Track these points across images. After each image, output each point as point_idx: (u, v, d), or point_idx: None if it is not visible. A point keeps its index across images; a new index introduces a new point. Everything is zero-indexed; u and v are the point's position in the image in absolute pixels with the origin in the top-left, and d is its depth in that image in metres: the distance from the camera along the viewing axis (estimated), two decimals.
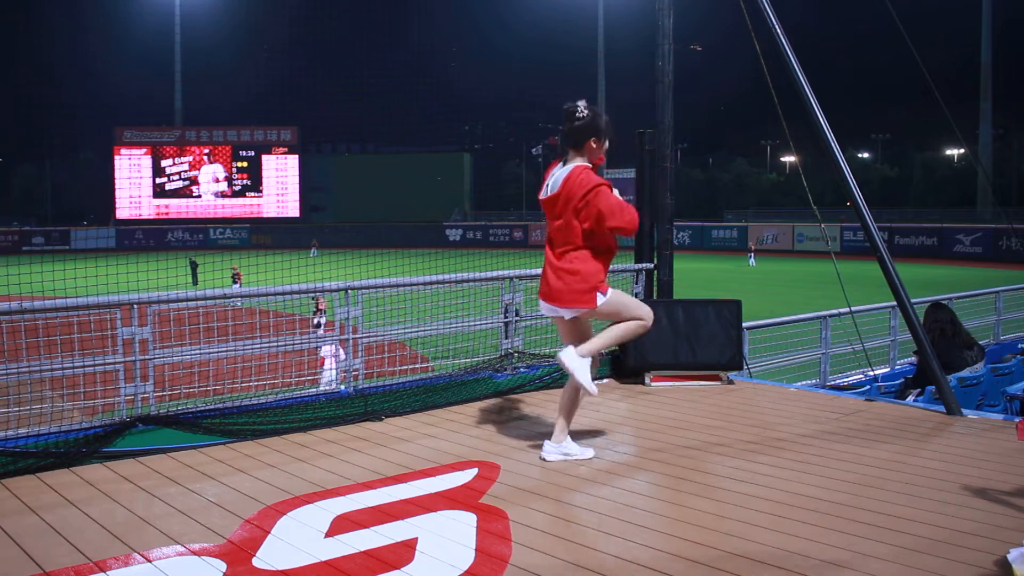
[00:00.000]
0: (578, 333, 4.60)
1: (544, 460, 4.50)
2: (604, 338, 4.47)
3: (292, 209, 62.11)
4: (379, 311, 5.90)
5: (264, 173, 61.54)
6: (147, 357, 4.84)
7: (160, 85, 64.98)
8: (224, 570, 3.20)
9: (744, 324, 7.15)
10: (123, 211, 60.51)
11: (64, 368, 4.58)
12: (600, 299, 4.41)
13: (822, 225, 9.20)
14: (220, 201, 61.26)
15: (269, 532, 3.55)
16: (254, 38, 58.67)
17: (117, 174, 60.28)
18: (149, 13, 63.27)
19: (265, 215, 61.34)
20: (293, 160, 61.89)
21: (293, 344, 5.77)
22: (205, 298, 5.16)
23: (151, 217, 60.53)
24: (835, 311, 8.84)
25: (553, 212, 4.49)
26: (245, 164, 61.38)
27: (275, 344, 5.48)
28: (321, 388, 5.99)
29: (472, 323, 6.26)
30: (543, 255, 4.67)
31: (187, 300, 5.08)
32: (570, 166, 4.44)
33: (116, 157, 60.33)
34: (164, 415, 4.81)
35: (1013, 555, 3.07)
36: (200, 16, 63.81)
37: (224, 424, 4.94)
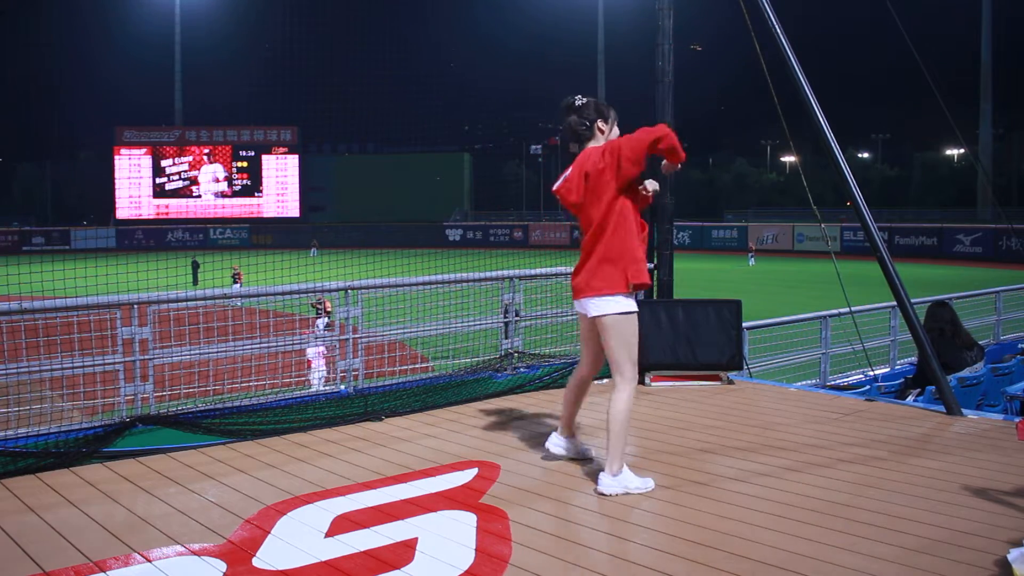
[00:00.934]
0: (592, 335, 4.33)
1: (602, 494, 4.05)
2: (617, 438, 4.03)
3: (292, 209, 62.12)
4: (379, 311, 5.90)
5: (264, 173, 61.55)
6: (147, 357, 4.84)
7: (160, 85, 65.01)
8: (224, 570, 3.20)
9: (744, 324, 7.14)
10: (123, 211, 60.52)
11: (64, 368, 4.58)
12: (622, 302, 4.10)
13: (822, 225, 9.19)
14: (220, 201, 61.27)
15: (269, 532, 3.55)
16: (254, 38, 58.65)
17: (117, 174, 60.29)
18: (149, 13, 63.29)
19: (265, 215, 61.34)
20: (293, 160, 61.90)
21: (293, 344, 5.77)
22: (205, 298, 5.16)
23: (151, 217, 60.54)
24: (835, 311, 8.83)
25: (570, 201, 4.25)
26: (245, 164, 61.39)
27: (275, 344, 5.48)
28: (314, 387, 6.00)
29: (472, 323, 6.26)
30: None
31: (187, 300, 5.08)
32: (583, 151, 4.25)
33: (116, 157, 60.34)
34: (164, 415, 4.81)
35: (1013, 555, 3.07)
36: (200, 16, 63.83)
37: (224, 424, 4.94)
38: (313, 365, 8.33)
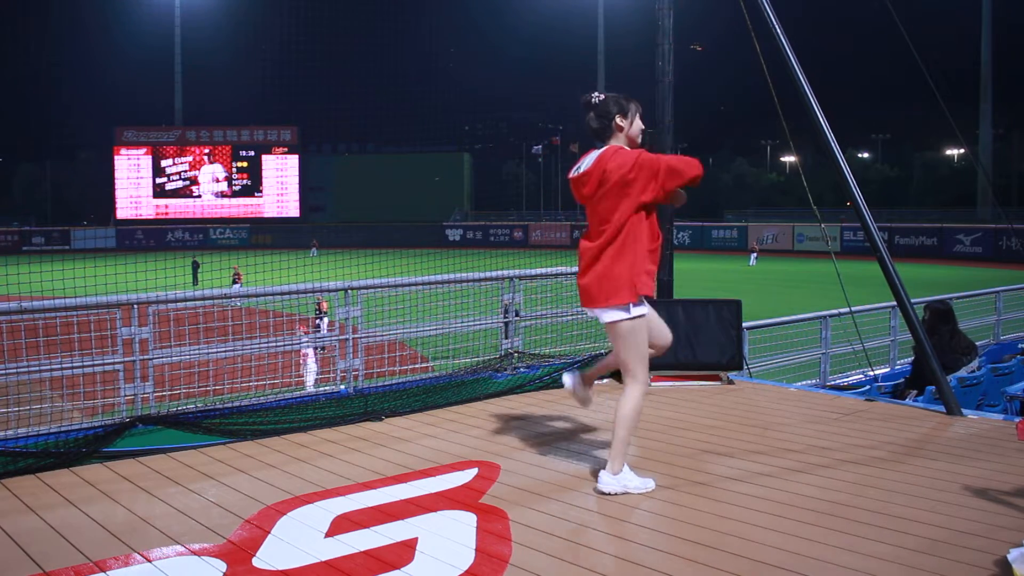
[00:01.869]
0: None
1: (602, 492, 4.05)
2: (622, 438, 4.03)
3: (292, 209, 62.14)
4: (379, 311, 5.90)
5: (264, 173, 61.57)
6: (147, 357, 4.84)
7: (160, 85, 65.02)
8: (224, 570, 3.20)
9: (744, 324, 7.14)
10: (123, 211, 60.54)
11: (64, 368, 4.58)
12: (637, 304, 4.10)
13: (822, 225, 9.20)
14: (220, 201, 61.29)
15: (269, 532, 3.55)
16: (254, 38, 58.65)
17: (117, 174, 60.32)
18: (149, 13, 63.30)
19: (265, 215, 61.36)
20: (293, 160, 61.92)
21: (293, 344, 5.77)
22: (205, 298, 5.16)
23: (151, 217, 60.56)
24: (835, 311, 8.84)
25: (583, 193, 4.17)
26: (245, 164, 61.42)
27: (275, 344, 5.48)
28: (308, 386, 6.00)
29: (472, 323, 6.26)
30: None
31: (187, 300, 5.08)
32: (606, 146, 4.15)
33: (116, 157, 60.38)
34: (164, 415, 4.81)
35: (1013, 555, 3.07)
36: (200, 16, 63.85)
37: (224, 424, 4.94)
38: (307, 364, 8.34)
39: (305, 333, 6.64)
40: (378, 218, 56.99)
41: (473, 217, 64.29)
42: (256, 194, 61.65)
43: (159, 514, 3.78)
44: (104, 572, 3.16)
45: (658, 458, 4.60)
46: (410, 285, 5.97)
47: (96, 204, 62.82)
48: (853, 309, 7.48)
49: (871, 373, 8.04)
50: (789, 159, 70.62)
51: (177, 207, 61.13)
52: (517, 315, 6.36)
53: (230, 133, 61.47)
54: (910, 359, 8.20)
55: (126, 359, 4.76)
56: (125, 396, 4.77)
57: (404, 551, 3.35)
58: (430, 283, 6.06)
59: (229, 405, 5.07)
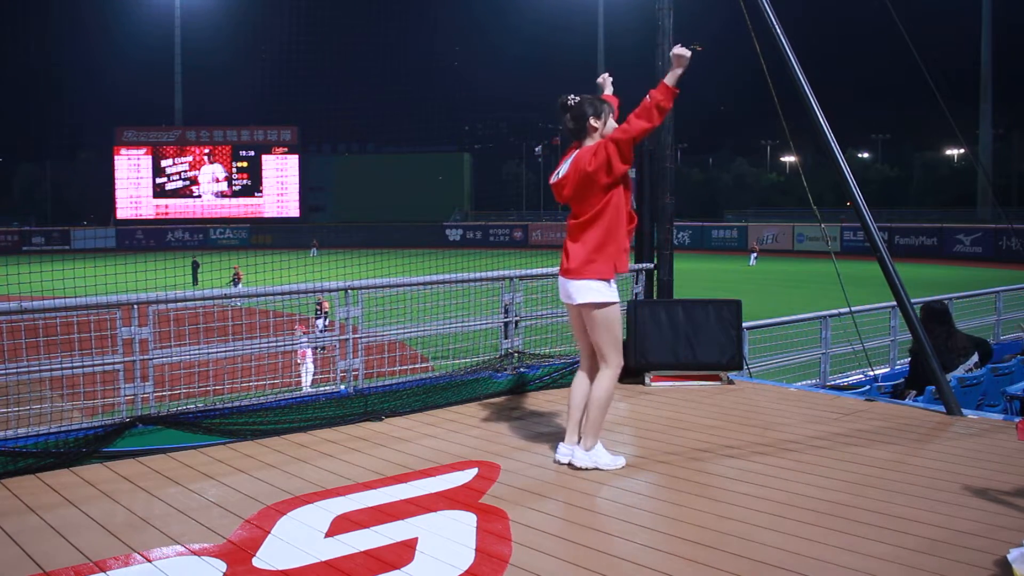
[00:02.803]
0: (586, 335, 4.50)
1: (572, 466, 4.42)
2: (596, 416, 4.37)
3: (292, 209, 62.12)
4: (379, 311, 5.90)
5: (264, 173, 61.55)
6: (147, 357, 4.83)
7: (160, 85, 65.01)
8: (224, 570, 3.20)
9: (744, 324, 7.14)
10: (123, 211, 60.52)
11: (64, 368, 4.58)
12: (606, 291, 4.31)
13: (822, 225, 9.19)
14: (220, 201, 61.27)
15: (269, 532, 3.55)
16: (254, 38, 58.71)
17: (117, 174, 60.30)
18: (149, 13, 63.29)
19: (265, 215, 61.34)
20: (293, 160, 61.89)
21: (293, 344, 5.77)
22: (205, 298, 5.15)
23: (151, 217, 60.54)
24: (835, 311, 8.84)
25: (563, 195, 4.45)
26: (245, 164, 61.39)
27: (275, 344, 5.48)
28: (306, 385, 5.99)
29: (472, 323, 6.26)
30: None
31: (187, 300, 5.08)
32: (582, 148, 4.42)
33: (116, 157, 60.35)
34: (164, 415, 4.81)
35: (1013, 555, 3.07)
36: (200, 16, 63.84)
37: (224, 424, 4.94)
38: (305, 364, 8.33)
39: (304, 333, 6.64)
40: (378, 218, 56.97)
41: (473, 217, 64.28)
42: (256, 194, 61.63)
43: (159, 514, 3.78)
44: (104, 572, 3.16)
45: (658, 458, 4.60)
46: (410, 285, 5.97)
47: (96, 204, 62.81)
48: (853, 309, 7.48)
49: (871, 373, 8.04)
50: (789, 159, 70.63)
51: (177, 207, 61.11)
52: (509, 313, 6.37)
53: (230, 133, 61.45)
54: (907, 360, 8.20)
55: (126, 359, 4.76)
56: (125, 396, 4.77)
57: (404, 551, 3.35)
58: (430, 283, 6.06)
59: (229, 405, 5.07)
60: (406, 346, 6.16)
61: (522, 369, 6.28)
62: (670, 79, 4.25)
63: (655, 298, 6.91)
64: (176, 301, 5.01)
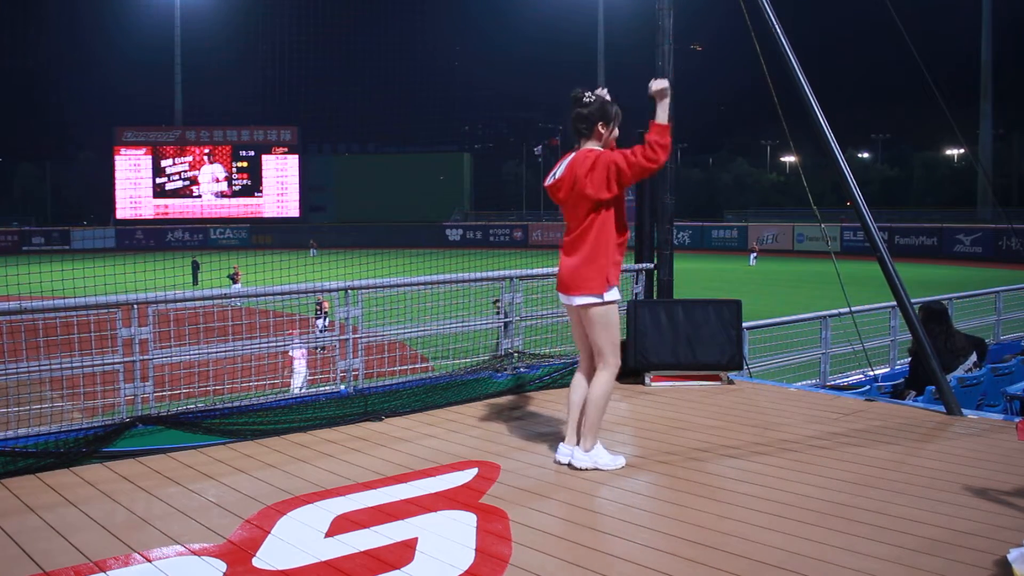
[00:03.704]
0: (584, 334, 4.54)
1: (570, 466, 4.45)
2: (594, 416, 4.38)
3: (292, 209, 62.10)
4: (379, 311, 5.90)
5: (264, 173, 61.52)
6: (147, 357, 4.83)
7: (160, 85, 64.99)
8: (224, 570, 3.20)
9: (744, 324, 7.14)
10: (123, 211, 60.49)
11: (64, 368, 4.58)
12: (606, 292, 4.34)
13: (822, 225, 9.20)
14: (220, 201, 61.25)
15: (269, 532, 3.55)
16: (254, 38, 58.67)
17: (117, 174, 60.27)
18: (149, 13, 63.29)
19: (265, 215, 61.32)
20: (293, 160, 61.87)
21: (293, 344, 5.77)
22: (205, 298, 5.15)
23: (151, 217, 60.51)
24: (835, 311, 8.84)
25: (558, 198, 4.46)
26: (245, 164, 61.36)
27: (275, 344, 5.48)
28: (296, 387, 5.99)
29: (472, 323, 6.26)
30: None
31: (187, 300, 5.08)
32: (578, 150, 4.42)
33: (116, 157, 60.32)
34: (164, 415, 4.81)
35: (1013, 555, 3.07)
36: (200, 16, 63.80)
37: (224, 424, 4.94)
38: (296, 367, 8.32)
39: (303, 334, 6.64)
40: (378, 218, 56.98)
41: (473, 217, 64.27)
42: (256, 194, 61.60)
43: (159, 514, 3.78)
44: (104, 572, 3.16)
45: (658, 458, 4.60)
46: (410, 285, 5.97)
47: (96, 204, 62.80)
48: (853, 309, 7.48)
49: (871, 373, 8.04)
50: (789, 159, 70.60)
51: (177, 207, 61.08)
52: (505, 315, 6.37)
53: (230, 133, 61.42)
54: (907, 360, 8.21)
55: (126, 359, 4.76)
56: (125, 396, 4.77)
57: (404, 551, 3.35)
58: (430, 283, 6.06)
59: (229, 405, 5.07)
60: (406, 346, 6.16)
61: (522, 369, 6.28)
62: (661, 116, 4.28)
63: (655, 298, 6.90)
64: (176, 301, 5.00)
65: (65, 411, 4.66)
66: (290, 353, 7.20)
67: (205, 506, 3.89)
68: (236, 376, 5.40)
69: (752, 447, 4.80)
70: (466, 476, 4.28)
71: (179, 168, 61.07)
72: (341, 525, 3.62)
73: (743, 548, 3.35)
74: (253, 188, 61.61)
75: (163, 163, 60.82)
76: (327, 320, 9.85)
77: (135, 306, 4.77)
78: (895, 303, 5.97)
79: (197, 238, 57.60)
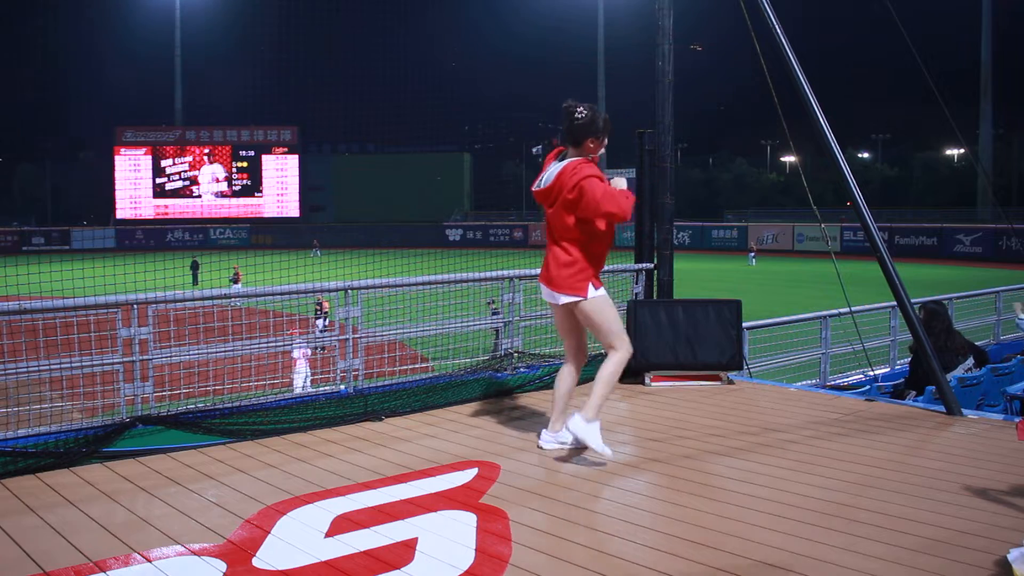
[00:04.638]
0: (570, 326, 4.74)
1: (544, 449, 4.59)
2: (600, 390, 4.47)
3: (292, 209, 62.13)
4: (379, 311, 5.90)
5: (264, 173, 61.56)
6: (147, 357, 4.83)
7: (160, 85, 65.02)
8: (224, 570, 3.20)
9: (744, 324, 7.14)
10: (123, 211, 60.52)
11: (64, 368, 4.58)
12: (592, 291, 4.50)
13: (822, 225, 9.21)
14: (220, 201, 61.27)
15: (269, 532, 3.55)
16: (254, 38, 58.67)
17: (117, 174, 60.31)
18: (149, 13, 63.30)
19: (265, 215, 61.35)
20: (293, 160, 61.90)
21: (292, 344, 5.76)
22: (205, 298, 5.15)
23: (151, 217, 60.54)
24: (835, 311, 8.84)
25: (547, 203, 4.63)
26: (245, 164, 61.40)
27: (275, 344, 5.48)
28: (297, 387, 5.98)
29: (472, 323, 6.26)
30: (546, 248, 4.76)
31: (187, 300, 5.08)
32: (566, 161, 4.56)
33: (116, 157, 60.35)
34: (164, 415, 4.81)
35: (1013, 555, 3.07)
36: (200, 16, 63.82)
37: (224, 424, 4.94)
38: (297, 367, 8.31)
39: (301, 335, 6.64)
40: (378, 218, 56.99)
41: (473, 217, 64.27)
42: (256, 194, 61.63)
43: (159, 514, 3.78)
44: (104, 572, 3.16)
45: (658, 458, 4.60)
46: (410, 285, 5.97)
47: (96, 204, 62.84)
48: (853, 309, 7.48)
49: (871, 373, 8.04)
50: (789, 159, 70.60)
51: (177, 207, 61.10)
52: (495, 312, 6.38)
53: (230, 133, 61.45)
54: (909, 359, 8.21)
55: (126, 359, 4.76)
56: (125, 396, 4.77)
57: (404, 551, 3.35)
58: (430, 283, 6.06)
59: (229, 405, 5.07)
60: (406, 346, 6.16)
61: (522, 369, 6.28)
62: (620, 185, 4.53)
63: (655, 298, 6.90)
64: (176, 301, 5.00)
65: (65, 411, 4.66)
66: (292, 354, 7.21)
67: (205, 506, 3.89)
68: (236, 376, 5.40)
69: (752, 447, 4.80)
70: (466, 476, 4.28)
71: (179, 168, 61.10)
72: (341, 525, 3.62)
73: (743, 548, 3.35)
74: (253, 188, 61.63)
75: (163, 163, 60.85)
76: (327, 320, 9.86)
77: (135, 306, 4.77)
78: (895, 303, 5.97)
79: (197, 238, 57.62)
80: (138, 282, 5.63)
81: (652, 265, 6.95)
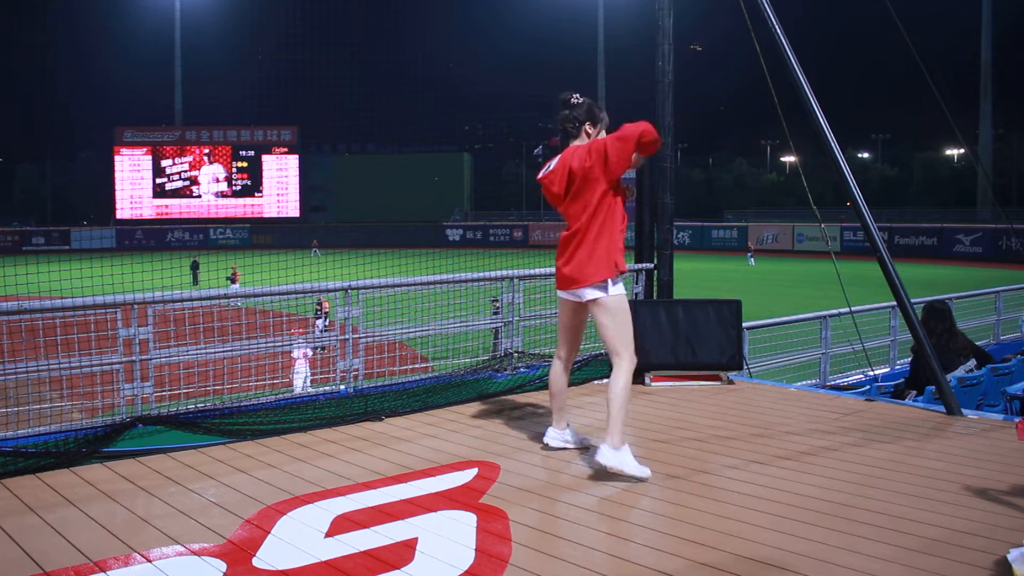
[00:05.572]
0: (576, 324, 4.65)
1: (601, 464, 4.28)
2: (617, 413, 4.23)
3: (292, 209, 62.14)
4: (379, 311, 5.90)
5: (264, 173, 61.57)
6: (147, 357, 4.84)
7: (160, 85, 65.03)
8: (224, 570, 3.20)
9: (744, 324, 7.14)
10: (123, 211, 60.53)
11: (64, 368, 4.58)
12: (612, 287, 4.34)
13: (822, 225, 9.20)
14: (220, 201, 61.29)
15: (269, 532, 3.55)
16: (254, 38, 58.69)
17: (117, 174, 60.33)
18: (149, 13, 63.32)
19: (265, 215, 61.36)
20: (293, 160, 61.91)
21: (292, 344, 5.76)
22: (204, 298, 5.15)
23: (151, 217, 60.55)
24: (835, 311, 8.84)
25: (552, 191, 4.54)
26: (245, 164, 61.41)
27: (275, 344, 5.48)
28: (296, 388, 5.98)
29: (472, 323, 6.26)
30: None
31: (187, 300, 5.08)
32: (566, 149, 4.54)
33: (116, 157, 60.37)
34: (164, 415, 4.81)
35: (1013, 555, 3.07)
36: (200, 16, 63.85)
37: (224, 424, 4.94)
38: (296, 368, 8.30)
39: (302, 335, 6.64)
40: (378, 218, 57.00)
41: (473, 217, 64.27)
42: (256, 194, 61.63)
43: (159, 514, 3.78)
44: (104, 572, 3.16)
45: (658, 458, 4.60)
46: (410, 285, 5.97)
47: (96, 204, 62.86)
48: (853, 309, 7.48)
49: (871, 373, 8.04)
50: (789, 159, 70.60)
51: (177, 207, 61.11)
52: (498, 313, 6.38)
53: (230, 133, 61.46)
54: (909, 359, 8.21)
55: (126, 359, 4.76)
56: (125, 396, 4.77)
57: (404, 551, 3.35)
58: (430, 283, 6.06)
59: (229, 405, 5.07)
60: (406, 346, 6.16)
61: (522, 369, 6.28)
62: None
63: (655, 298, 6.90)
64: (176, 301, 5.01)
65: (65, 411, 4.66)
66: (292, 354, 7.20)
67: (205, 506, 3.89)
68: (236, 376, 5.40)
69: (752, 447, 4.79)
70: (466, 476, 4.28)
71: (179, 168, 61.11)
72: (341, 525, 3.62)
73: (743, 548, 3.35)
74: (253, 188, 61.64)
75: (163, 163, 60.86)
76: (327, 320, 9.86)
77: (135, 306, 4.77)
78: (895, 303, 5.97)
79: (197, 238, 57.62)
80: (138, 282, 5.63)
81: (652, 265, 6.95)
